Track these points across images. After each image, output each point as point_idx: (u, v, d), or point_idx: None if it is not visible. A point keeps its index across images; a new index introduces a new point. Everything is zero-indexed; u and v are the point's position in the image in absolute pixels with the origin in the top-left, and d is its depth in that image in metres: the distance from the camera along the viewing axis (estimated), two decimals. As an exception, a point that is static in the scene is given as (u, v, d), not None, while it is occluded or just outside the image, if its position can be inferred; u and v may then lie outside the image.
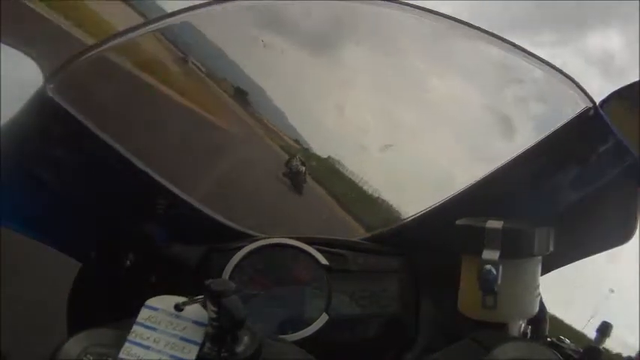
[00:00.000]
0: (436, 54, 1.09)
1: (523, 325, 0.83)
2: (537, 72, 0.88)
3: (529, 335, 0.85)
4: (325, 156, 1.81)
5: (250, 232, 1.05)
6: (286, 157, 1.83)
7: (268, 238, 1.00)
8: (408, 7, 0.87)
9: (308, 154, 1.81)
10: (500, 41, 0.86)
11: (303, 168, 1.66)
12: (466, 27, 0.86)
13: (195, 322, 0.64)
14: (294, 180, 1.68)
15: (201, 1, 0.89)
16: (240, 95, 1.91)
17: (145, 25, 0.90)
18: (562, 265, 0.95)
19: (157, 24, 0.91)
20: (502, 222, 0.78)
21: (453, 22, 0.87)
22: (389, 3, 0.88)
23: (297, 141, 1.88)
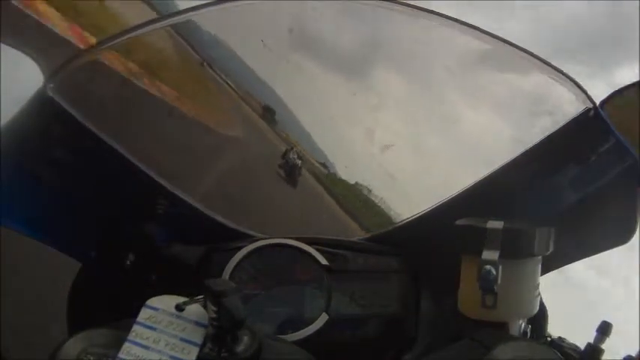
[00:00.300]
0: (467, 83, 1.09)
1: (523, 325, 0.83)
2: (567, 104, 0.88)
3: (529, 335, 0.85)
4: (352, 182, 1.78)
5: (250, 232, 1.05)
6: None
7: (268, 238, 1.00)
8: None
9: (335, 179, 1.79)
10: (497, 40, 0.87)
11: (300, 162, 1.66)
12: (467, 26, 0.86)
13: (196, 323, 0.64)
14: (290, 173, 1.67)
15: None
16: (268, 113, 1.89)
17: (142, 26, 0.90)
18: (562, 265, 0.95)
19: (152, 26, 0.91)
20: (502, 222, 0.79)
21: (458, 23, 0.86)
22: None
23: (324, 164, 1.86)
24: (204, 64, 1.85)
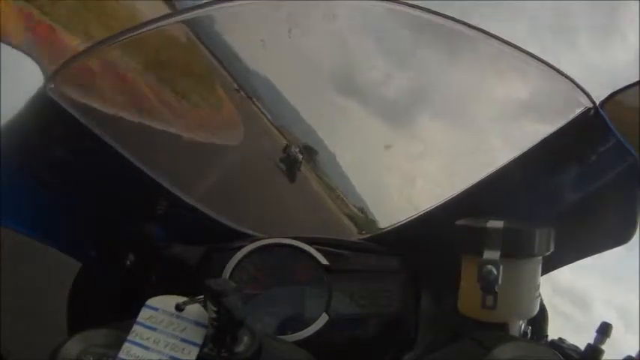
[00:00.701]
0: (509, 131, 1.08)
1: (523, 325, 0.83)
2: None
3: (529, 335, 0.85)
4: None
5: (250, 232, 1.05)
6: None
7: (268, 238, 1.00)
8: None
9: (373, 226, 1.76)
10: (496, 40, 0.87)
11: (301, 156, 1.66)
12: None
13: (196, 323, 0.64)
14: (290, 167, 1.67)
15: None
16: (309, 153, 1.86)
17: (143, 26, 0.90)
18: (562, 265, 0.95)
19: (153, 25, 0.91)
20: (503, 222, 0.79)
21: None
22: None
23: (361, 209, 1.83)
24: (239, 90, 1.85)
